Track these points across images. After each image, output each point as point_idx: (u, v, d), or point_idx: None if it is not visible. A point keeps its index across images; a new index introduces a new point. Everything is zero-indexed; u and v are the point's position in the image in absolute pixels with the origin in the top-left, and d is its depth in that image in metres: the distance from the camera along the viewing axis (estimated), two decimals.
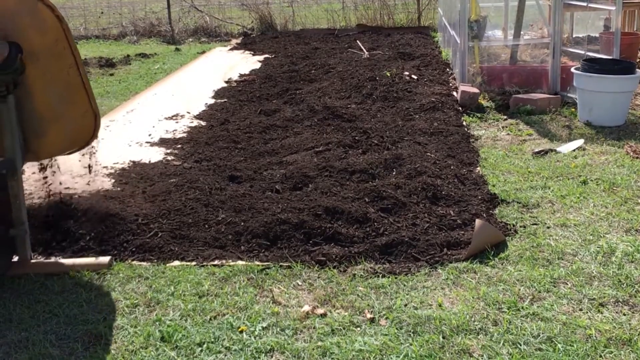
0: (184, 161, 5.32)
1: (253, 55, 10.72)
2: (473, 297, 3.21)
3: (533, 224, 3.99)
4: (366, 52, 9.74)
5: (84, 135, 3.85)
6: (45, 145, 3.74)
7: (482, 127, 6.13)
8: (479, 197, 4.35)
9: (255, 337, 2.96)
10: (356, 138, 5.57)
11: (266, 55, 10.43)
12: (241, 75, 8.87)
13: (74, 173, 4.74)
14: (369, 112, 6.51)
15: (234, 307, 3.21)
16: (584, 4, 7.12)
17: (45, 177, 4.26)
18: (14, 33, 3.45)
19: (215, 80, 8.63)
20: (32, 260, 3.71)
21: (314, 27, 13.35)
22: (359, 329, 3.01)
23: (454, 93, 7.09)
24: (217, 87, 8.21)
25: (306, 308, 3.16)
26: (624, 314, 3.04)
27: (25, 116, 3.62)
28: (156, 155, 5.55)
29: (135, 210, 4.22)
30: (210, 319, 3.12)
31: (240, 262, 3.66)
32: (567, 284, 3.31)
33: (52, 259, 3.77)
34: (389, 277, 3.44)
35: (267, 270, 3.56)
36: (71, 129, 3.78)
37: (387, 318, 3.07)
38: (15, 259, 3.69)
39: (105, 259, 3.66)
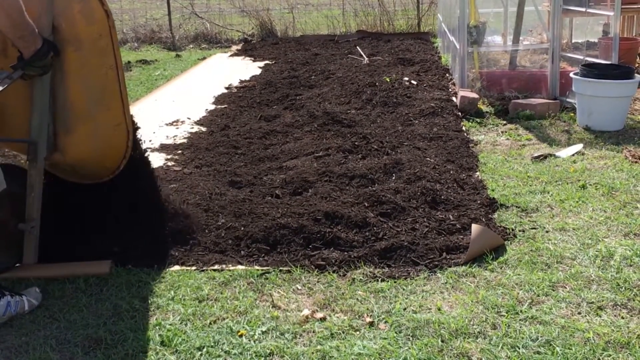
0: (184, 167, 5.34)
1: (253, 61, 10.75)
2: (472, 301, 3.22)
3: (532, 228, 4.00)
4: (366, 58, 9.77)
5: (114, 151, 3.76)
6: (73, 145, 3.64)
7: (482, 132, 6.15)
8: (478, 202, 4.36)
9: (254, 341, 2.97)
10: (356, 143, 5.59)
11: (266, 62, 10.46)
12: (241, 81, 8.90)
13: None
14: (368, 117, 6.53)
15: (233, 311, 3.22)
16: (583, 9, 7.14)
17: None
18: (64, 15, 3.43)
19: (216, 86, 8.66)
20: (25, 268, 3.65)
21: (314, 34, 13.39)
22: (358, 332, 3.02)
23: (454, 98, 7.11)
24: (218, 93, 8.23)
25: (306, 312, 3.17)
26: (622, 318, 3.05)
27: (57, 105, 3.56)
28: (156, 160, 5.56)
29: None
30: (210, 323, 3.13)
31: (240, 267, 3.67)
32: (565, 288, 3.32)
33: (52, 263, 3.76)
34: (388, 281, 3.46)
35: (266, 274, 3.57)
36: (102, 137, 3.69)
37: (386, 322, 3.08)
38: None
39: (105, 264, 3.66)
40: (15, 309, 3.24)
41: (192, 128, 6.67)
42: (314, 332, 3.03)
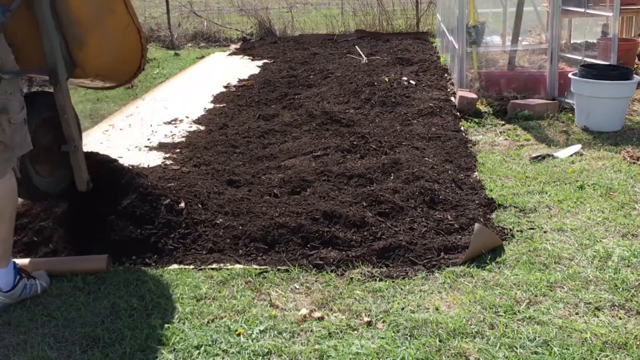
0: (183, 165, 5.34)
1: (252, 60, 10.74)
2: (470, 301, 3.22)
3: (530, 229, 4.00)
4: (365, 58, 9.77)
5: (130, 53, 3.77)
6: (90, 57, 3.64)
7: (480, 132, 6.15)
8: (477, 202, 4.36)
9: (252, 340, 2.97)
10: (354, 143, 5.59)
11: (265, 61, 10.46)
12: (240, 80, 8.89)
13: None
14: (367, 117, 6.53)
15: (231, 310, 3.22)
16: (582, 9, 7.15)
17: None
18: None
19: (214, 85, 8.65)
20: (22, 260, 3.65)
21: (313, 33, 13.38)
22: (356, 332, 3.02)
23: (452, 98, 7.11)
24: (216, 92, 8.23)
25: (303, 311, 3.18)
26: (620, 318, 3.06)
27: (63, 22, 3.54)
28: (155, 159, 5.56)
29: None
30: (208, 322, 3.13)
31: (238, 266, 3.67)
32: (563, 288, 3.32)
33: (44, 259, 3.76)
34: (386, 280, 3.46)
35: (264, 273, 3.57)
36: (114, 42, 3.70)
37: (384, 321, 3.08)
38: None
39: (102, 259, 3.64)
40: (30, 292, 3.37)
41: (191, 127, 6.66)
42: (311, 331, 3.03)
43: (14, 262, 3.39)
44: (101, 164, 4.14)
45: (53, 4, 3.53)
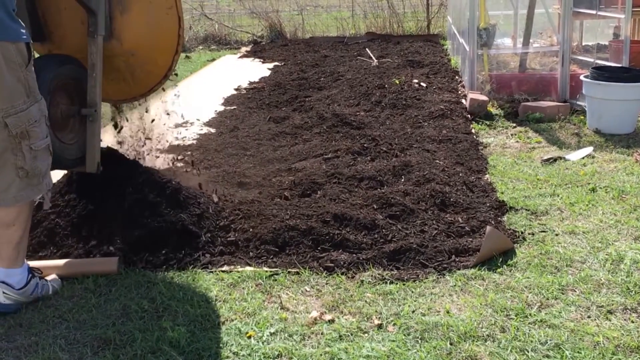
0: (193, 168, 5.35)
1: (262, 63, 10.77)
2: (481, 304, 3.21)
3: (541, 231, 3.99)
4: (375, 60, 9.77)
5: (166, 39, 3.74)
6: (129, 26, 3.62)
7: (491, 134, 6.14)
8: (488, 204, 4.35)
9: (263, 343, 2.97)
10: (365, 145, 5.59)
11: (276, 63, 10.47)
12: (251, 83, 8.91)
13: None
14: (377, 119, 6.53)
15: (242, 312, 3.22)
16: (594, 12, 7.12)
17: None
18: None
19: (225, 88, 8.67)
20: (32, 262, 3.64)
21: (324, 35, 13.40)
22: (366, 335, 3.01)
23: (463, 101, 7.10)
24: (227, 95, 8.25)
25: (314, 314, 3.17)
26: (632, 322, 3.04)
27: None
28: (165, 161, 5.56)
29: None
30: (218, 324, 3.13)
31: (248, 268, 3.67)
32: (575, 291, 3.31)
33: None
34: (396, 283, 3.45)
35: (275, 276, 3.57)
36: (155, 19, 3.69)
37: (394, 324, 3.08)
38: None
39: (113, 261, 3.65)
40: (42, 292, 3.39)
41: (201, 129, 6.68)
42: (322, 334, 3.02)
43: (27, 263, 3.41)
44: (113, 159, 4.13)
45: None
